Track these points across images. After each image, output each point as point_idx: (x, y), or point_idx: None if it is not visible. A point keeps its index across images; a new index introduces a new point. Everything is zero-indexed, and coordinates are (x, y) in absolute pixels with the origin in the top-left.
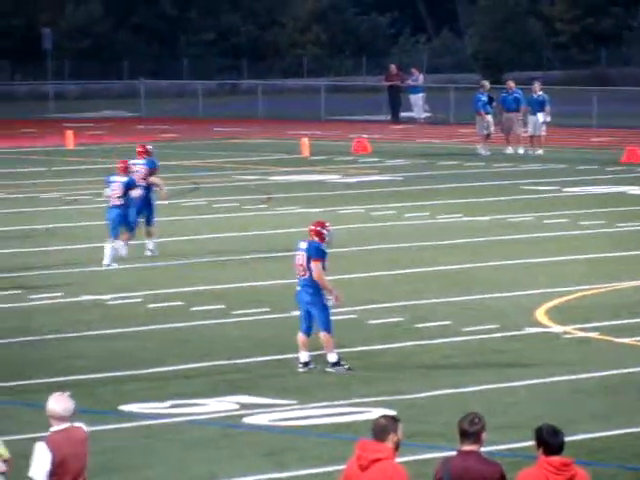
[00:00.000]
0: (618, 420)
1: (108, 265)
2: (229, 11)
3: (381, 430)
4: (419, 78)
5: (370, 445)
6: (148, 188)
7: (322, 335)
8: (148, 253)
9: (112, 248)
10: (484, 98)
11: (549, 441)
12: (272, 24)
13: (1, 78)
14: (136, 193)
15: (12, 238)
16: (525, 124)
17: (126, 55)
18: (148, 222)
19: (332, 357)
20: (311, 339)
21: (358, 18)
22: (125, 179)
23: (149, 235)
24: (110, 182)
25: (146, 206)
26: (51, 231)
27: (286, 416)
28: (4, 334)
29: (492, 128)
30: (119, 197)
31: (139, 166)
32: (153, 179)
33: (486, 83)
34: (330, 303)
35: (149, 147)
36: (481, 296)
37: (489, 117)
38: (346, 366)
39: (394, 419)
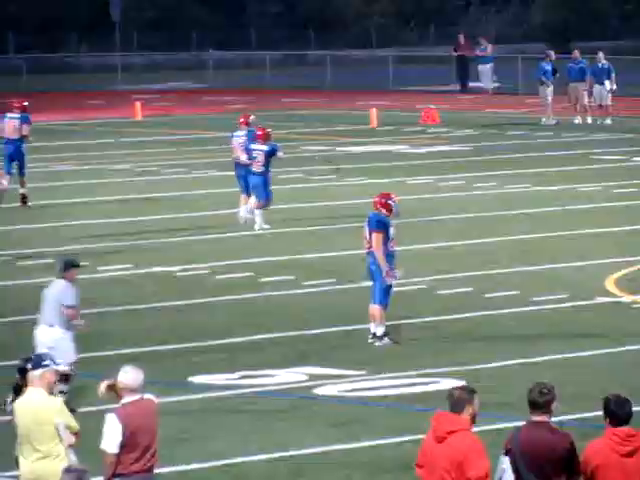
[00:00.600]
0: None
1: (259, 229)
2: None
3: (457, 402)
4: (488, 48)
5: (446, 417)
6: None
7: (376, 307)
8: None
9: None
10: (548, 67)
11: (616, 411)
12: None
13: (68, 50)
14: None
15: (78, 210)
16: (590, 94)
17: (193, 26)
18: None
19: (380, 330)
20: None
21: None
22: (266, 147)
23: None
24: (252, 149)
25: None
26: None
27: (355, 387)
28: None
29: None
30: (262, 165)
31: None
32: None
33: (551, 53)
34: (391, 280)
35: (251, 117)
36: (551, 266)
37: (551, 87)
38: (392, 340)
39: (470, 391)
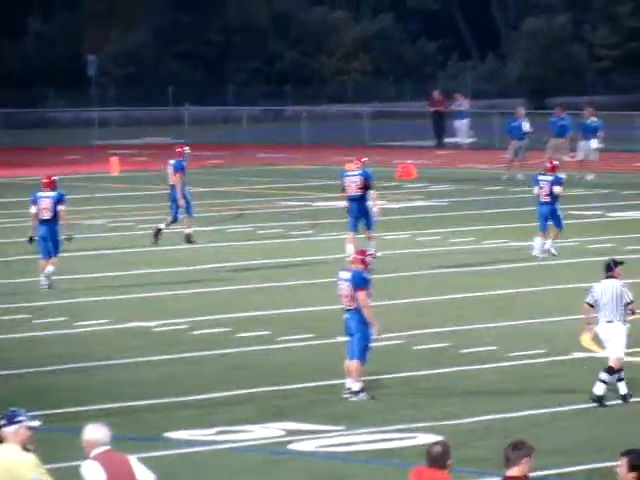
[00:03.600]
0: None
1: (537, 256)
2: (274, 38)
3: (440, 457)
4: (463, 103)
5: (427, 473)
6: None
7: (354, 362)
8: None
9: (540, 242)
10: (514, 124)
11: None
12: (317, 51)
13: (47, 105)
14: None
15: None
16: (572, 150)
17: (171, 82)
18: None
19: (356, 386)
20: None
21: (404, 45)
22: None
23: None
24: (539, 180)
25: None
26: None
27: (333, 442)
28: (52, 361)
29: (521, 153)
30: (547, 195)
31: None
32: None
33: (521, 109)
34: (373, 336)
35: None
36: (527, 321)
37: (518, 143)
38: (369, 395)
39: (448, 446)
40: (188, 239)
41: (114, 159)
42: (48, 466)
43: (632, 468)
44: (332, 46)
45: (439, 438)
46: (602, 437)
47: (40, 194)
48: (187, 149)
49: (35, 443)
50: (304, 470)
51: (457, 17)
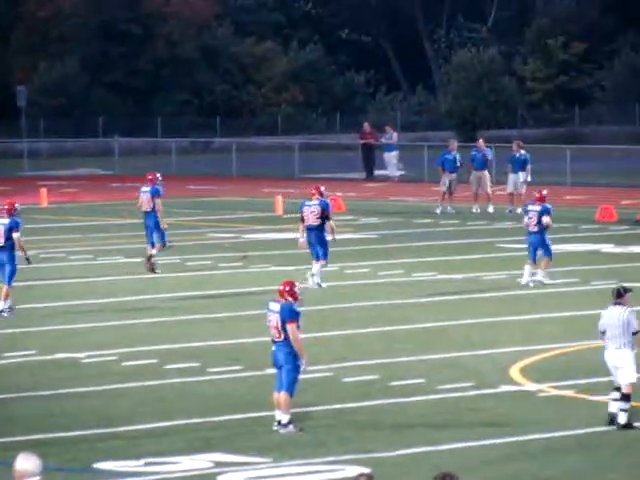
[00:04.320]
0: (593, 478)
1: (526, 284)
2: (204, 70)
3: None
4: (393, 136)
5: None
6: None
7: (282, 394)
8: None
9: (529, 270)
10: (448, 156)
11: None
12: (247, 82)
13: None
14: None
15: None
16: (497, 182)
17: (101, 113)
18: None
19: (285, 418)
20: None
21: (334, 77)
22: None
23: None
24: (528, 211)
25: None
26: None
27: (261, 474)
28: None
29: (454, 186)
30: (535, 224)
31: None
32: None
33: (453, 142)
34: (303, 368)
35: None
36: (456, 354)
37: (452, 175)
38: (297, 427)
39: (371, 477)
40: (152, 267)
41: (43, 190)
42: None
43: None
44: (261, 78)
45: (366, 470)
46: (528, 470)
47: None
48: (158, 175)
49: None
50: None
51: (387, 49)
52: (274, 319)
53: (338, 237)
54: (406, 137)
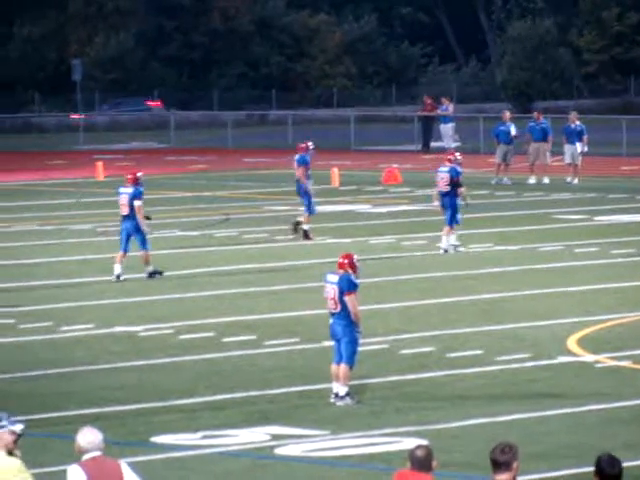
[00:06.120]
0: None
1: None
2: (258, 42)
3: (424, 459)
4: (449, 108)
5: (411, 476)
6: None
7: (342, 366)
8: None
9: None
10: (502, 127)
11: (605, 470)
12: (301, 55)
13: (31, 110)
14: None
15: (41, 270)
16: (553, 154)
17: (156, 86)
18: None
19: (343, 390)
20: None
21: (388, 48)
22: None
23: None
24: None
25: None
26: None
27: (318, 447)
28: (37, 366)
29: (509, 157)
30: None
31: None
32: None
33: (506, 113)
34: (360, 336)
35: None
36: (513, 325)
37: (507, 147)
38: (354, 399)
39: (429, 449)
40: (305, 235)
41: (99, 164)
42: (33, 471)
43: (595, 473)
44: (316, 50)
45: (424, 442)
46: (586, 442)
47: (121, 190)
48: (311, 144)
49: (19, 448)
50: (290, 475)
51: (442, 21)
52: (332, 290)
53: (396, 209)
54: (461, 109)
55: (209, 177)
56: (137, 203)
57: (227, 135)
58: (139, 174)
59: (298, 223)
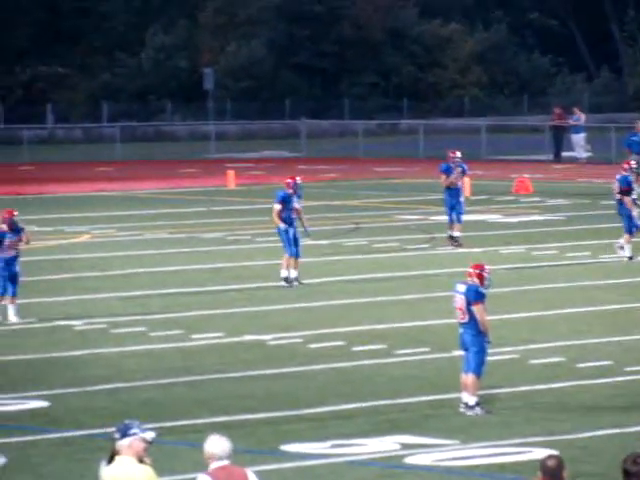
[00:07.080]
0: None
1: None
2: (390, 51)
3: (556, 469)
4: (581, 118)
5: None
6: None
7: (470, 376)
8: None
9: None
10: (634, 138)
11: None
12: (432, 65)
13: (163, 119)
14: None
15: (171, 278)
16: None
17: (288, 95)
18: None
19: (472, 400)
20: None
21: (518, 57)
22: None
23: None
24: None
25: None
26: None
27: (448, 456)
28: (167, 374)
29: None
30: None
31: None
32: None
33: (639, 123)
34: (489, 346)
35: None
36: None
37: (637, 157)
38: (484, 409)
39: (560, 459)
40: (454, 241)
41: (230, 172)
42: (163, 478)
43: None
44: (447, 60)
45: (555, 452)
46: None
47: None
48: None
49: (150, 456)
50: None
51: (573, 31)
52: (460, 300)
53: (527, 219)
54: (593, 119)
55: (339, 186)
56: (297, 206)
57: (358, 144)
58: (297, 178)
59: (452, 237)
